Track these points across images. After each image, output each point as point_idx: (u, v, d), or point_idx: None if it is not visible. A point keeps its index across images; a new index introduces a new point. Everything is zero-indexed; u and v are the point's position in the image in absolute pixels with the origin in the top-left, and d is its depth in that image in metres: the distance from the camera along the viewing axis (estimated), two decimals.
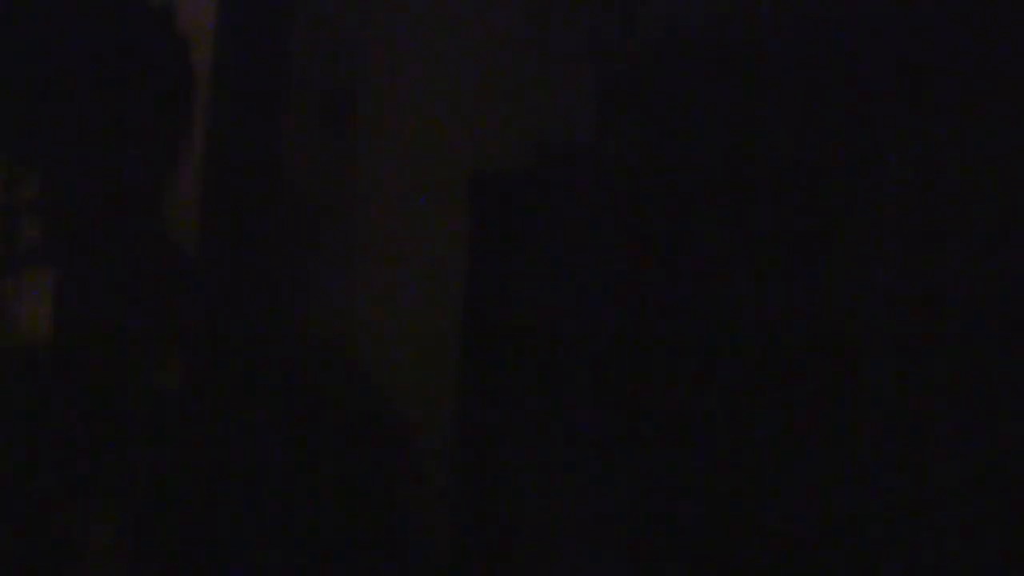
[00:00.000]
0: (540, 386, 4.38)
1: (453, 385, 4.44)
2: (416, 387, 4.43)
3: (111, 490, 4.42)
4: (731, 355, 4.26)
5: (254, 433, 4.37)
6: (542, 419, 4.38)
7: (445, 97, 4.58)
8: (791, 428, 4.21)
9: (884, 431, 4.19)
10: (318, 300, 4.61)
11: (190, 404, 4.46)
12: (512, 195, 4.46)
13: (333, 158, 4.67)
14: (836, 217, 4.26)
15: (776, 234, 4.28)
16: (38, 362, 4.48)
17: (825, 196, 4.27)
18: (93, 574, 4.38)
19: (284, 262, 4.63)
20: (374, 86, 4.65)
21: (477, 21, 4.58)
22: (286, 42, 4.67)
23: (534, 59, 4.53)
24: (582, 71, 4.48)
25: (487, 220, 4.46)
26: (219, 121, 4.63)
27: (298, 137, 4.66)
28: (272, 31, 4.66)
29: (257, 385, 4.44)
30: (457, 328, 4.45)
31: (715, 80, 4.35)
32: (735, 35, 4.35)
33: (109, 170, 4.58)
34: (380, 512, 4.39)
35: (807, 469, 4.20)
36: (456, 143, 4.55)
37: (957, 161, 4.20)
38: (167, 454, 4.41)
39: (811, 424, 4.21)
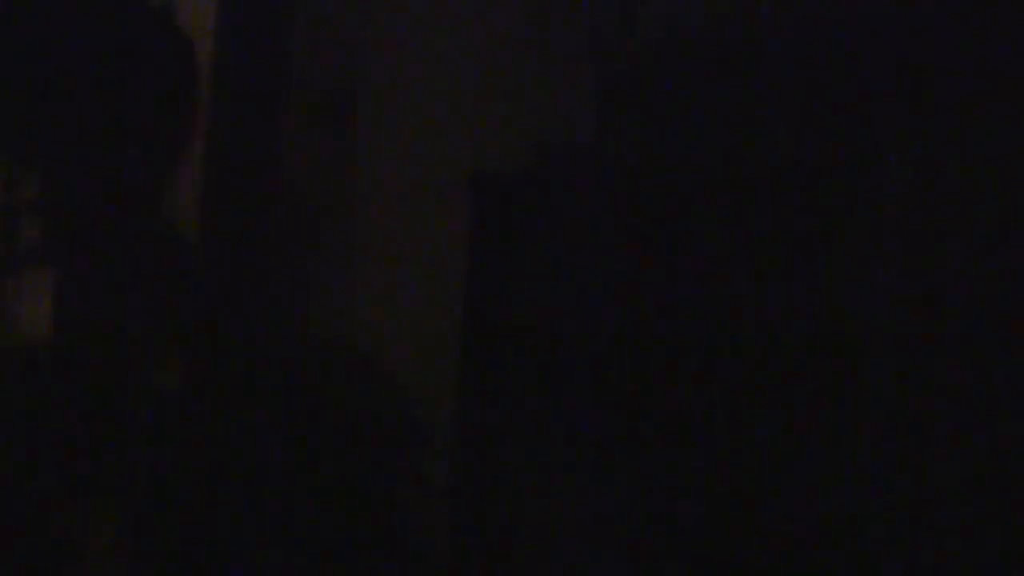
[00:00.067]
0: (540, 386, 4.38)
1: (453, 385, 4.44)
2: (416, 387, 4.43)
3: (111, 490, 4.42)
4: (731, 355, 4.26)
5: (254, 433, 4.37)
6: (542, 419, 4.38)
7: (445, 97, 4.58)
8: (791, 428, 4.21)
9: (883, 430, 4.19)
10: (318, 300, 4.61)
11: (190, 404, 4.46)
12: (512, 195, 4.46)
13: (333, 158, 4.67)
14: (836, 217, 4.26)
15: (776, 234, 4.28)
16: (38, 362, 4.48)
17: (825, 196, 4.27)
18: (93, 574, 4.38)
19: (284, 262, 4.63)
20: (374, 86, 4.65)
21: (477, 21, 4.58)
22: (286, 42, 4.67)
23: (534, 59, 4.53)
24: (582, 71, 4.48)
25: (487, 220, 4.46)
26: (219, 121, 4.63)
27: (298, 137, 4.66)
28: (272, 31, 4.66)
29: (257, 385, 4.44)
30: (457, 328, 4.45)
31: (715, 80, 4.35)
32: (735, 35, 4.35)
33: (109, 170, 4.58)
34: (380, 512, 4.39)
35: (807, 469, 4.20)
36: (456, 143, 4.55)
37: (957, 161, 4.20)
38: (167, 454, 4.41)
39: (811, 424, 4.21)
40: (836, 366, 4.21)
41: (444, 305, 4.49)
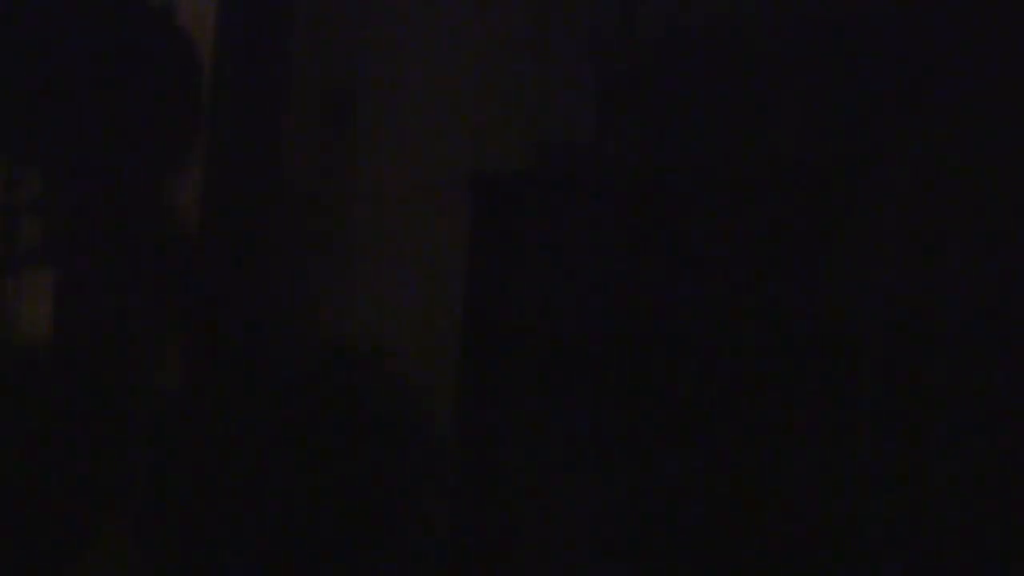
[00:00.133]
0: (540, 386, 4.38)
1: (453, 385, 4.44)
2: (416, 387, 4.43)
3: (112, 489, 4.42)
4: (731, 354, 4.26)
5: (254, 432, 4.37)
6: (542, 419, 4.38)
7: (445, 97, 4.58)
8: (790, 426, 4.21)
9: (882, 428, 4.18)
10: (318, 300, 4.61)
11: (190, 404, 4.46)
12: (512, 195, 4.46)
13: (333, 158, 4.67)
14: (836, 217, 4.26)
15: (776, 234, 4.28)
16: (38, 362, 4.48)
17: (825, 196, 4.27)
18: (93, 574, 4.38)
19: (284, 262, 4.63)
20: (374, 86, 4.65)
21: (477, 21, 4.58)
22: (286, 42, 4.67)
23: (534, 59, 4.53)
24: (582, 71, 4.48)
25: (487, 220, 4.46)
26: (219, 121, 4.63)
27: (298, 137, 4.66)
28: (272, 31, 4.66)
29: (257, 384, 4.44)
30: (457, 328, 4.45)
31: (714, 80, 4.35)
32: (735, 35, 4.35)
33: (109, 170, 4.58)
34: (380, 511, 4.39)
35: (805, 467, 4.20)
36: (456, 143, 4.55)
37: (957, 161, 4.20)
38: (167, 454, 4.41)
39: (809, 422, 4.20)
40: (835, 365, 4.21)
41: (444, 305, 4.49)
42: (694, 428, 4.26)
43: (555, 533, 4.35)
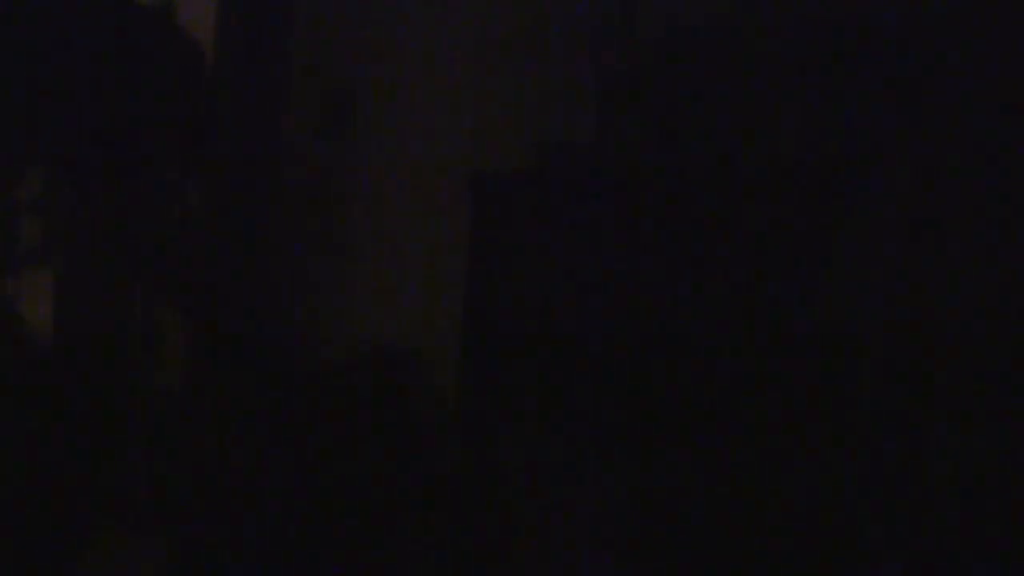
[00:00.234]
0: (540, 386, 4.38)
1: (453, 385, 4.44)
2: (416, 387, 4.43)
3: (111, 489, 4.42)
4: (731, 354, 4.26)
5: (254, 433, 4.37)
6: (542, 419, 4.38)
7: (445, 97, 4.58)
8: (791, 427, 4.21)
9: (883, 430, 4.19)
10: (318, 300, 4.61)
11: (190, 404, 4.46)
12: (512, 195, 4.46)
13: (333, 158, 4.67)
14: (836, 217, 4.26)
15: (776, 233, 4.28)
16: (38, 362, 4.48)
17: (825, 196, 4.27)
18: (94, 574, 4.38)
19: (284, 262, 4.63)
20: (374, 86, 4.65)
21: (477, 21, 4.58)
22: (286, 42, 4.67)
23: (534, 59, 4.53)
24: (582, 71, 4.48)
25: (487, 220, 4.46)
26: (219, 121, 4.63)
27: (298, 137, 4.66)
28: (272, 31, 4.66)
29: (257, 385, 4.44)
30: (457, 328, 4.45)
31: (715, 80, 4.35)
32: (735, 35, 4.35)
33: (109, 170, 4.58)
34: (380, 510, 4.39)
35: (806, 468, 4.20)
36: (456, 143, 4.55)
37: (957, 161, 4.20)
38: (167, 454, 4.41)
39: (810, 423, 4.21)
40: (835, 366, 4.21)
41: (444, 305, 4.49)
42: (695, 428, 4.26)
43: (555, 533, 4.35)
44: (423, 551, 4.39)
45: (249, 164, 4.63)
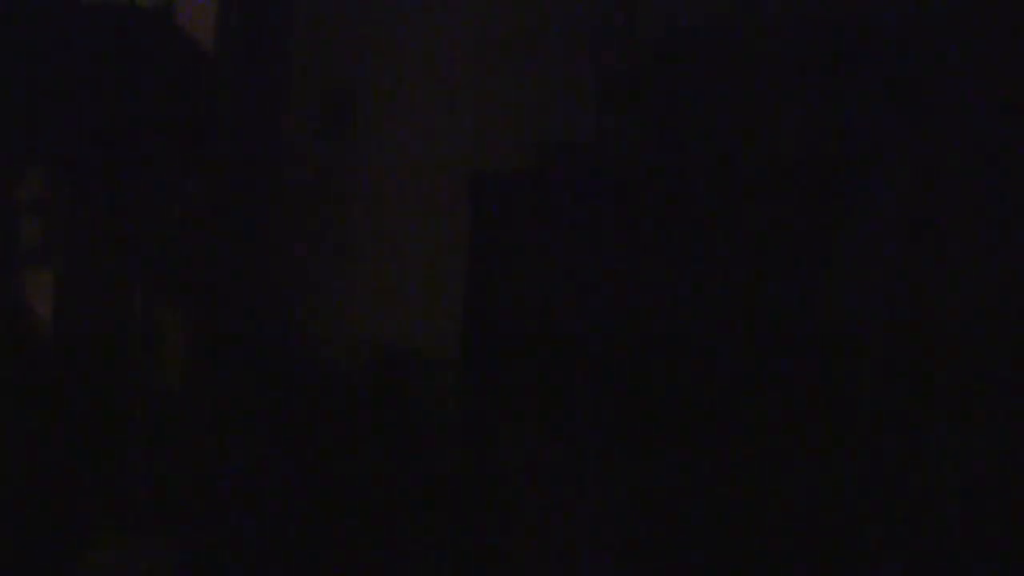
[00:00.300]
0: (540, 386, 4.38)
1: (453, 385, 4.44)
2: (416, 387, 4.43)
3: (112, 489, 4.42)
4: (732, 354, 4.26)
5: (253, 433, 4.37)
6: (542, 419, 4.38)
7: (445, 97, 4.58)
8: (790, 427, 4.21)
9: (883, 430, 4.19)
10: (318, 300, 4.61)
11: (190, 404, 4.46)
12: (512, 195, 4.46)
13: (333, 158, 4.67)
14: (836, 217, 4.26)
15: (776, 233, 4.28)
16: (38, 362, 4.48)
17: (825, 196, 4.27)
18: (94, 573, 4.38)
19: (284, 262, 4.63)
20: (374, 86, 4.65)
21: (477, 21, 4.58)
22: (286, 42, 4.67)
23: (534, 59, 4.53)
24: (582, 71, 4.48)
25: (487, 220, 4.46)
26: (219, 121, 4.63)
27: (298, 137, 4.66)
28: (272, 31, 4.66)
29: (257, 385, 4.44)
30: (457, 328, 4.45)
31: (715, 80, 4.35)
32: (735, 35, 4.35)
33: (109, 170, 4.58)
34: (381, 510, 4.39)
35: (805, 467, 4.20)
36: (456, 143, 4.55)
37: (956, 161, 4.20)
38: (167, 454, 4.41)
39: (809, 422, 4.21)
40: (835, 365, 4.21)
41: (444, 305, 4.49)
42: (695, 428, 4.26)
43: (555, 533, 4.35)
44: (423, 550, 4.39)
45: (249, 164, 4.63)
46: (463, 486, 4.40)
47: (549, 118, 4.49)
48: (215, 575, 4.34)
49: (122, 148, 4.57)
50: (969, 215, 4.19)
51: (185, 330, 4.55)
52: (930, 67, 4.23)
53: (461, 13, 4.59)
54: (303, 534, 4.33)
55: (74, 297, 4.54)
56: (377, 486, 4.40)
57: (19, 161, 4.58)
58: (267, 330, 4.55)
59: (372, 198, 4.62)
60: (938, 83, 4.22)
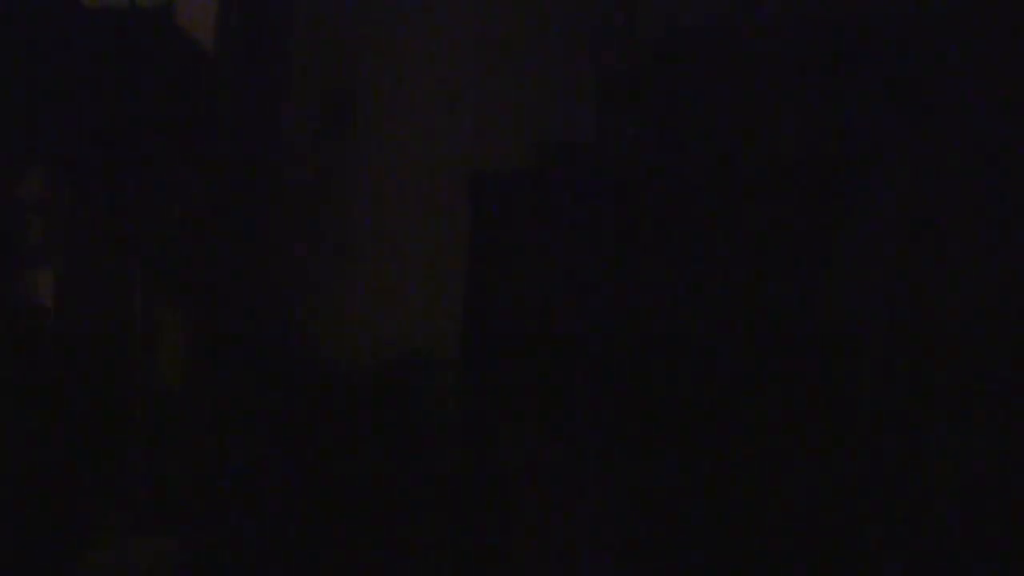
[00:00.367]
0: (540, 385, 4.38)
1: (453, 385, 4.44)
2: (416, 387, 4.43)
3: (112, 489, 4.42)
4: (731, 354, 4.26)
5: (253, 432, 4.37)
6: (542, 419, 4.38)
7: (444, 97, 4.58)
8: (790, 427, 4.21)
9: (883, 430, 4.19)
10: (318, 300, 4.61)
11: (190, 404, 4.46)
12: (512, 195, 4.46)
13: (333, 158, 4.67)
14: (836, 217, 4.26)
15: (776, 233, 4.28)
16: (38, 362, 4.48)
17: (825, 196, 4.27)
18: (94, 573, 4.38)
19: (284, 262, 4.63)
20: (374, 86, 4.65)
21: (477, 21, 4.58)
22: (286, 42, 4.67)
23: (534, 59, 4.53)
24: (582, 71, 4.48)
25: (487, 220, 4.46)
26: (219, 121, 4.63)
27: (298, 137, 4.66)
28: (272, 31, 4.66)
29: (257, 385, 4.44)
30: (457, 328, 4.45)
31: (715, 80, 4.35)
32: (735, 35, 4.35)
33: (109, 170, 4.59)
34: (381, 510, 4.39)
35: (805, 467, 4.20)
36: (456, 143, 4.55)
37: (956, 160, 4.20)
38: (167, 454, 4.41)
39: (809, 422, 4.21)
40: (835, 365, 4.21)
41: (444, 305, 4.49)
42: (695, 428, 4.26)
43: (555, 533, 4.35)
44: (424, 550, 4.39)
45: (249, 164, 4.63)
46: (463, 486, 4.40)
47: (549, 118, 4.49)
48: (215, 575, 4.34)
49: (122, 148, 4.57)
50: (969, 215, 4.19)
51: (185, 330, 4.55)
52: (930, 67, 4.23)
53: (461, 13, 4.59)
54: (303, 534, 4.33)
55: (74, 297, 4.54)
56: (377, 486, 4.40)
57: (19, 161, 4.58)
58: (267, 330, 4.55)
59: (372, 198, 4.62)
60: (938, 83, 4.22)
